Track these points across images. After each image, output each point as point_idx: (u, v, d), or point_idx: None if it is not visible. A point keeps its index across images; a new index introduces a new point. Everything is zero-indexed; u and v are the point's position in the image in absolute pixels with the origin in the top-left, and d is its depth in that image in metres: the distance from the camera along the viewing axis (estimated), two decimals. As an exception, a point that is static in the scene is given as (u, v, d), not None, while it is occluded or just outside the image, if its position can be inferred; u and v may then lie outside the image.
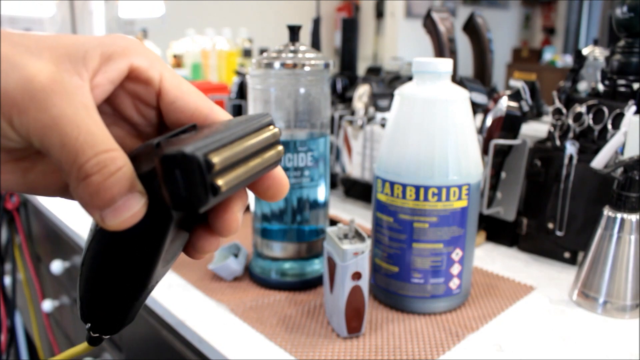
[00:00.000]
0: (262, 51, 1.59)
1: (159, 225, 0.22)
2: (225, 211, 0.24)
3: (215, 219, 0.24)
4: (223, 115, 0.25)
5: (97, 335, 0.26)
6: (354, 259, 0.53)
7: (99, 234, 0.23)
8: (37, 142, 0.20)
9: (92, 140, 0.20)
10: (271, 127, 0.24)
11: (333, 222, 0.72)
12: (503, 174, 0.79)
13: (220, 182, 0.20)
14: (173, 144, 0.20)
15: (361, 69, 1.40)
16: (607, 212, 0.60)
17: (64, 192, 0.24)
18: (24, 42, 0.20)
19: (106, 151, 0.20)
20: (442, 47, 0.97)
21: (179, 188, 0.20)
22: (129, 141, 0.26)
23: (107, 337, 0.26)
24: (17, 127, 0.20)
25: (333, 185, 1.07)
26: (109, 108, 0.25)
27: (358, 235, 0.57)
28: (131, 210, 0.20)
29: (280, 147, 0.24)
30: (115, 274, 0.24)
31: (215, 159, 0.20)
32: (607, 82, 0.72)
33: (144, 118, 0.26)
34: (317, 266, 0.68)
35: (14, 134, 0.20)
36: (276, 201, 0.26)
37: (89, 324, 0.25)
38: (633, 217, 0.59)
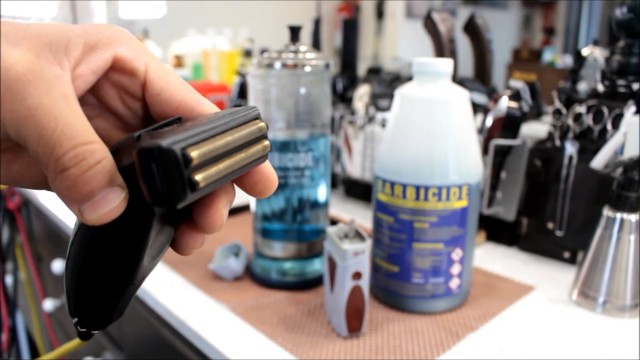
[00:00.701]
0: (262, 51, 1.59)
1: (142, 220, 0.21)
2: (210, 207, 0.23)
3: (199, 215, 0.23)
4: (210, 108, 0.25)
5: (85, 330, 0.25)
6: (355, 258, 0.54)
7: (83, 227, 0.23)
8: (13, 133, 0.19)
9: (70, 132, 0.19)
10: (257, 120, 0.23)
11: (333, 222, 0.72)
12: (503, 174, 0.79)
13: (198, 177, 0.19)
14: (153, 137, 0.20)
15: (361, 69, 1.40)
16: (606, 212, 0.61)
17: (49, 184, 0.23)
18: (4, 29, 0.20)
19: (85, 143, 0.19)
20: (442, 47, 0.97)
21: (155, 183, 0.19)
22: (114, 134, 0.25)
23: (96, 332, 0.26)
24: None
25: (333, 185, 1.07)
26: (94, 99, 0.24)
27: (358, 235, 0.57)
28: (110, 204, 0.19)
29: (266, 142, 0.24)
30: (100, 269, 0.23)
31: (194, 153, 0.19)
32: (606, 83, 0.72)
33: (129, 110, 0.25)
34: (318, 266, 0.68)
35: None
36: (264, 197, 0.25)
37: (76, 319, 0.25)
38: (632, 217, 0.59)
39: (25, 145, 0.19)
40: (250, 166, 0.23)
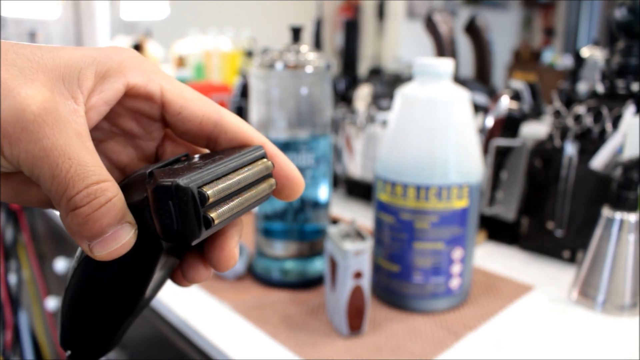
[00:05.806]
0: (264, 51, 1.60)
1: (149, 254, 0.22)
2: (223, 248, 0.23)
3: (212, 255, 0.24)
4: (232, 118, 0.24)
5: None
6: (355, 258, 0.54)
7: (85, 261, 0.23)
8: (27, 171, 0.20)
9: (84, 172, 0.19)
10: (264, 159, 0.24)
11: (335, 222, 0.73)
12: (503, 174, 0.79)
13: (213, 214, 0.20)
14: (167, 174, 0.20)
15: (362, 70, 1.41)
16: (606, 212, 0.61)
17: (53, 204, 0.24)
18: (19, 63, 0.20)
19: (97, 182, 0.19)
20: (443, 48, 0.98)
21: (171, 220, 0.20)
22: (124, 155, 0.25)
23: None
24: (7, 156, 0.19)
25: (335, 185, 1.07)
26: (107, 124, 0.24)
27: (359, 235, 0.57)
28: (120, 241, 0.20)
29: (272, 180, 0.24)
30: (101, 302, 0.24)
31: (210, 191, 0.20)
32: (606, 83, 0.73)
33: (144, 130, 0.25)
34: (319, 265, 0.68)
35: (5, 162, 0.20)
36: (291, 200, 0.26)
37: (69, 352, 0.25)
38: (632, 217, 0.59)
39: (38, 182, 0.20)
40: (258, 203, 0.23)
